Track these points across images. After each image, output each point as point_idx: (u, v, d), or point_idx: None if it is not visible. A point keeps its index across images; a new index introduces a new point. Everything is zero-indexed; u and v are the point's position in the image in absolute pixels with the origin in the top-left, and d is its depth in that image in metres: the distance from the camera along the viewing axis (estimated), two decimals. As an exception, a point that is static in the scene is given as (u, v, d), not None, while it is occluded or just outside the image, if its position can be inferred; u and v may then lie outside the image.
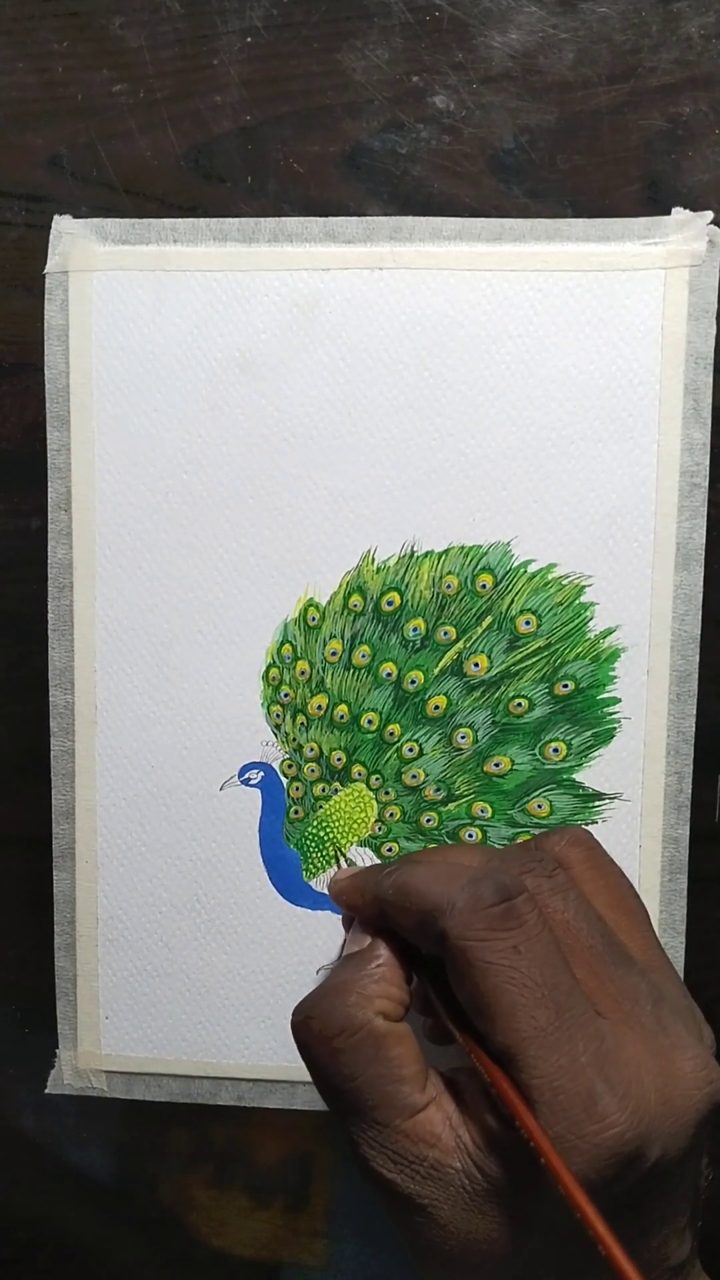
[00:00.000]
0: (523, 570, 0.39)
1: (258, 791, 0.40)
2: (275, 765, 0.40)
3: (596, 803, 0.39)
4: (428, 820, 0.40)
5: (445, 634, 0.39)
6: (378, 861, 0.40)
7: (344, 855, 0.40)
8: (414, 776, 0.40)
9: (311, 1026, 0.30)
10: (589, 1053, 0.27)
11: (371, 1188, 0.29)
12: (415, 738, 0.40)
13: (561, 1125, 0.26)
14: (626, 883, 0.32)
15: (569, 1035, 0.27)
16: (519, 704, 0.39)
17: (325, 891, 0.40)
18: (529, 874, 0.30)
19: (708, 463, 0.38)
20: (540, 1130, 0.26)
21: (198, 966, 0.41)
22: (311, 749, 0.40)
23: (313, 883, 0.40)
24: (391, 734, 0.40)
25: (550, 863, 0.31)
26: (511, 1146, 0.28)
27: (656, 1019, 0.29)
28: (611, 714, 0.39)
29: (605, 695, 0.39)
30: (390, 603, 0.39)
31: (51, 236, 0.39)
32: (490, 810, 0.40)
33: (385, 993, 0.30)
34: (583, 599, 0.39)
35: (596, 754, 0.39)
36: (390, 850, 0.40)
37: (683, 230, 0.37)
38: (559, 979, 0.28)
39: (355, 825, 0.40)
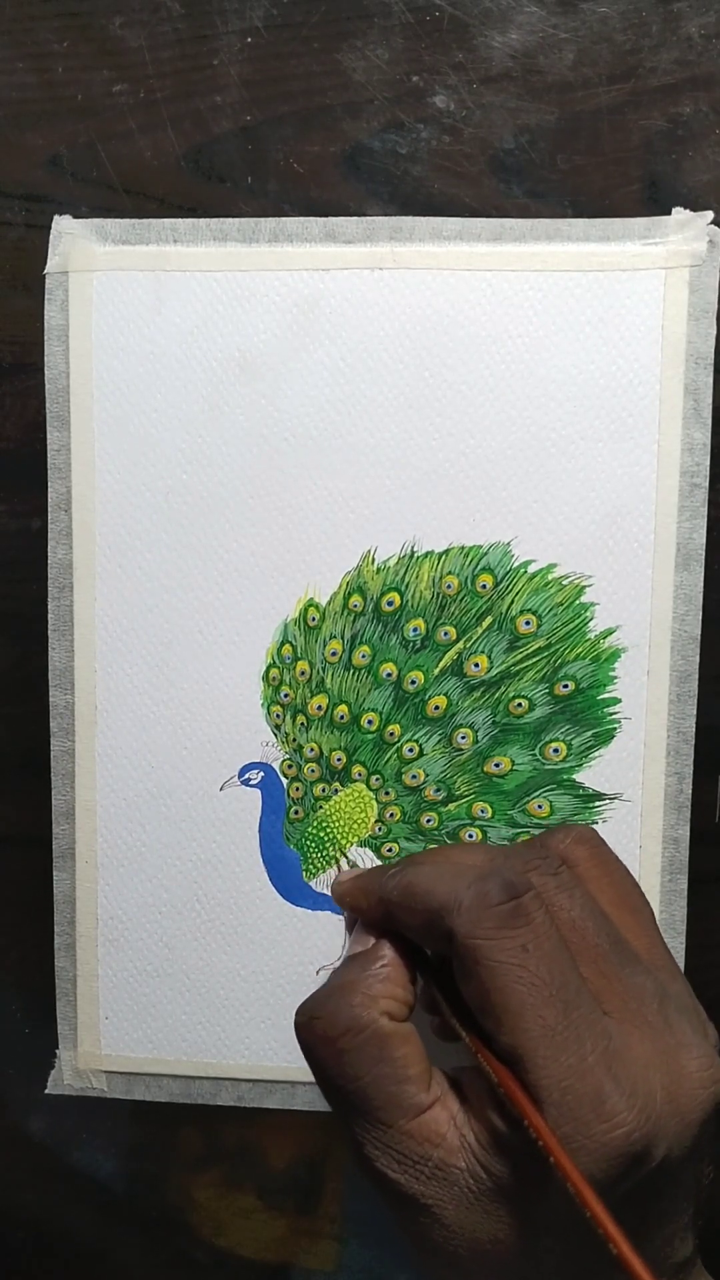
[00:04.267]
0: (523, 570, 0.39)
1: (258, 792, 0.40)
2: (275, 765, 0.40)
3: (597, 803, 0.39)
4: (428, 820, 0.40)
5: (445, 634, 0.39)
6: (378, 862, 0.40)
7: (345, 856, 0.40)
8: (414, 777, 0.40)
9: (316, 1027, 0.30)
10: (597, 1052, 0.27)
11: (376, 1189, 0.29)
12: (415, 738, 0.40)
13: (570, 1125, 0.26)
14: (631, 880, 0.32)
15: (577, 1035, 0.27)
16: (519, 704, 0.39)
17: (326, 892, 0.40)
18: (534, 871, 0.30)
19: (708, 463, 0.38)
20: (549, 1130, 0.26)
21: (198, 967, 0.41)
22: (311, 749, 0.40)
23: (313, 883, 0.40)
24: (391, 734, 0.40)
25: (555, 860, 0.31)
26: (517, 1146, 0.28)
27: (663, 1017, 0.29)
28: (612, 714, 0.39)
29: (605, 695, 0.39)
30: (390, 603, 0.39)
31: (51, 236, 0.39)
32: (490, 810, 0.40)
33: (390, 993, 0.30)
34: (583, 599, 0.39)
35: (597, 754, 0.39)
36: (390, 850, 0.40)
37: (683, 230, 0.37)
38: (567, 978, 0.28)
39: (355, 826, 0.40)
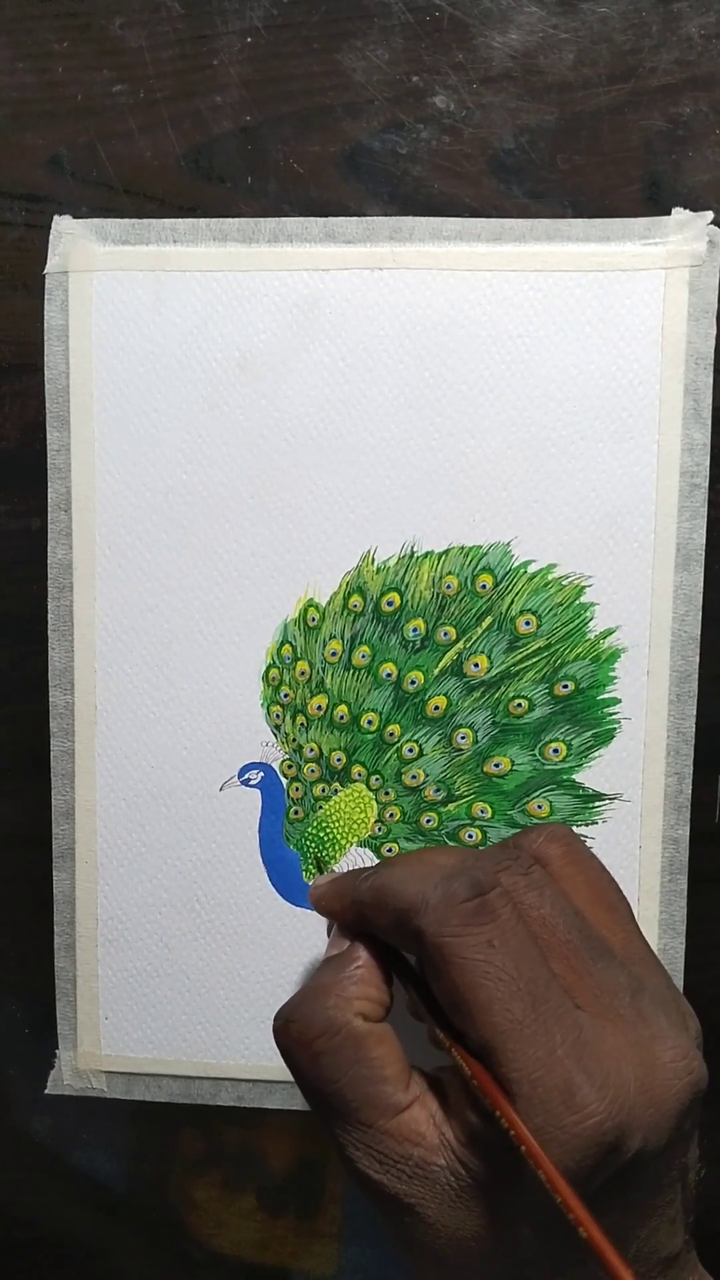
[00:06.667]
0: (523, 570, 0.39)
1: (258, 792, 0.40)
2: (275, 765, 0.40)
3: (596, 803, 0.39)
4: (428, 821, 0.40)
5: (445, 634, 0.39)
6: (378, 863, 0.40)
7: (323, 866, 0.40)
8: (414, 777, 0.40)
9: (291, 1031, 0.30)
10: (566, 1044, 0.27)
11: (359, 1189, 0.30)
12: (415, 738, 0.40)
13: (541, 1117, 0.27)
14: (606, 876, 0.32)
15: (546, 1028, 0.27)
16: (519, 704, 0.39)
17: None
18: (504, 871, 0.30)
19: (708, 463, 0.38)
20: (520, 1122, 0.27)
21: (198, 966, 0.41)
22: (311, 749, 0.40)
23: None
24: (391, 734, 0.40)
25: (526, 859, 0.31)
26: (493, 1141, 0.28)
27: (636, 1010, 0.29)
28: (611, 714, 0.39)
29: (605, 695, 0.39)
30: (390, 603, 0.39)
31: (51, 237, 0.39)
32: (490, 811, 0.40)
33: (364, 994, 0.30)
34: (583, 599, 0.39)
35: (596, 754, 0.39)
36: (390, 850, 0.40)
37: (683, 230, 0.37)
38: (535, 972, 0.28)
39: (355, 826, 0.40)
